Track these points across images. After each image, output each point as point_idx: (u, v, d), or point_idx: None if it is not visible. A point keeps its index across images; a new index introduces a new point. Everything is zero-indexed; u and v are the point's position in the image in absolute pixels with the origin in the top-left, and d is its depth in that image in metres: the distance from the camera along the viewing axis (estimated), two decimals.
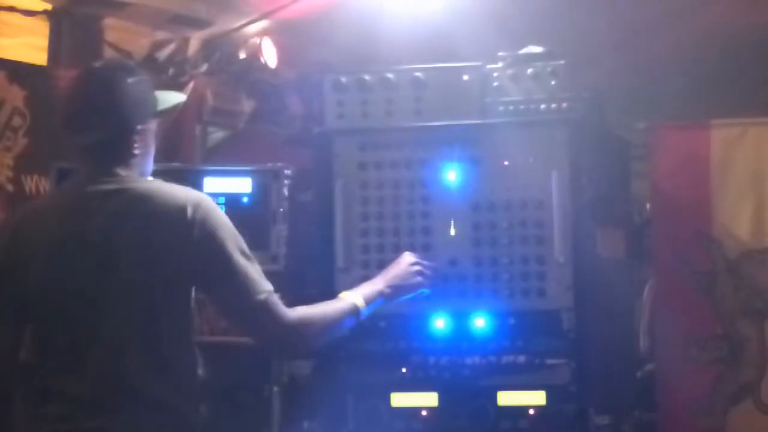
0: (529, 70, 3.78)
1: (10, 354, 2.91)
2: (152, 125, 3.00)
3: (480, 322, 3.67)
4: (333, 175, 3.80)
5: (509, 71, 3.80)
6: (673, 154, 4.39)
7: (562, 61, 3.78)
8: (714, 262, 4.35)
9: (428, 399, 3.66)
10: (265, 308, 2.87)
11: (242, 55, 6.24)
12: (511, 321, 3.67)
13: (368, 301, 3.20)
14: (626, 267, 4.22)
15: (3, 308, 2.91)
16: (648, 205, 4.54)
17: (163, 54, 6.26)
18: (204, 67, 6.31)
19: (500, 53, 3.87)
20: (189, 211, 2.81)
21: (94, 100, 2.91)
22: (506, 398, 3.63)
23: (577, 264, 3.65)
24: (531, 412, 3.62)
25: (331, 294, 3.54)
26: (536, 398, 3.62)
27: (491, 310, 3.67)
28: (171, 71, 6.31)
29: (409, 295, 3.44)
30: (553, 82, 3.76)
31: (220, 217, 2.89)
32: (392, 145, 3.80)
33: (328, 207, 3.80)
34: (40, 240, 2.85)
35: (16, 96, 5.47)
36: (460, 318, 3.67)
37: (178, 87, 6.27)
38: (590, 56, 4.93)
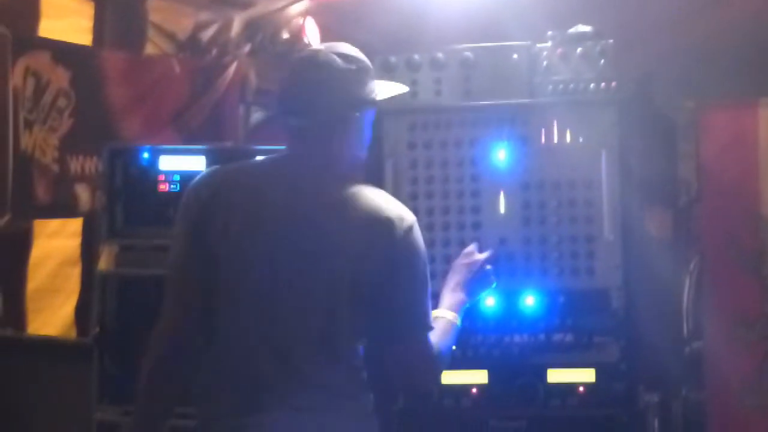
0: (578, 50, 3.77)
1: (191, 316, 2.82)
2: (368, 115, 2.96)
3: (529, 301, 3.69)
4: (382, 155, 3.82)
5: (558, 51, 3.79)
6: (721, 133, 4.36)
7: (611, 41, 3.77)
8: (763, 241, 4.33)
9: (478, 376, 3.70)
10: (424, 349, 2.84)
11: (285, 36, 6.27)
12: (561, 299, 3.68)
13: (459, 314, 3.17)
14: (673, 246, 4.23)
15: (190, 269, 2.82)
16: (694, 185, 4.52)
17: (207, 35, 6.32)
18: (247, 48, 6.34)
19: (549, 33, 3.87)
20: (396, 226, 2.78)
21: (309, 84, 2.84)
22: (556, 376, 3.65)
23: (626, 243, 3.66)
24: (581, 389, 3.64)
25: None
26: (586, 376, 3.64)
27: (541, 289, 3.69)
28: (214, 52, 6.36)
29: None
30: (602, 62, 3.75)
31: (421, 243, 2.84)
32: (441, 125, 3.81)
33: (378, 186, 3.78)
34: (237, 215, 2.78)
35: (62, 77, 5.50)
36: (510, 296, 3.69)
37: (222, 68, 6.33)
38: (638, 36, 4.92)
